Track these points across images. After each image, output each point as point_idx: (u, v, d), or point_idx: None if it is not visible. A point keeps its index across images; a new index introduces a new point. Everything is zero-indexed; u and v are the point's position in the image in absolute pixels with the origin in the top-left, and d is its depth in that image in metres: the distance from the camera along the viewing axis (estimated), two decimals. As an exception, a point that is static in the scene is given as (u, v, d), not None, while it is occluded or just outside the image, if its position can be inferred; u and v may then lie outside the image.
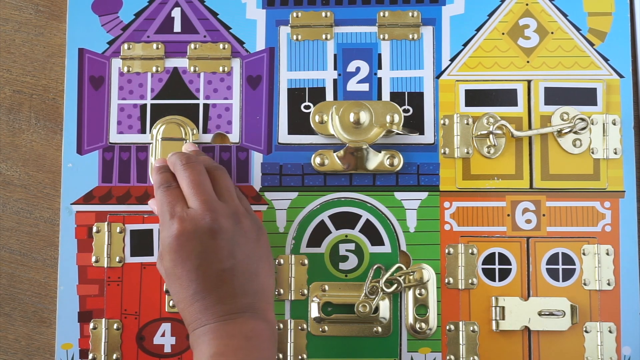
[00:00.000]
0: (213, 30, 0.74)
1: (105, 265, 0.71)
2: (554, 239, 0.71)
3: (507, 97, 0.73)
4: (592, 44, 0.73)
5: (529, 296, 0.71)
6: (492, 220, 0.72)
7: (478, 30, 0.73)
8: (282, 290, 0.71)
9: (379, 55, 0.74)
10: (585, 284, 0.71)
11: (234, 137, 0.73)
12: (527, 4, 0.74)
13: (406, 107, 0.73)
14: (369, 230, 0.72)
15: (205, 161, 0.68)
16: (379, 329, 0.70)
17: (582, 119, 0.71)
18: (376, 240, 0.72)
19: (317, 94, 0.73)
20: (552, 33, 0.73)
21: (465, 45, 0.73)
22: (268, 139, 0.73)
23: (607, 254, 0.71)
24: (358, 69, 0.74)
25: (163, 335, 0.71)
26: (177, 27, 0.74)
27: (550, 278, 0.71)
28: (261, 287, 0.63)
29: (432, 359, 0.70)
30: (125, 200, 0.72)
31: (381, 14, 0.74)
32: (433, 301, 0.71)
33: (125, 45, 0.74)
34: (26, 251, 0.73)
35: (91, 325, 0.71)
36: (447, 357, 0.70)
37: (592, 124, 0.72)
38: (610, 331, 0.70)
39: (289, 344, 0.71)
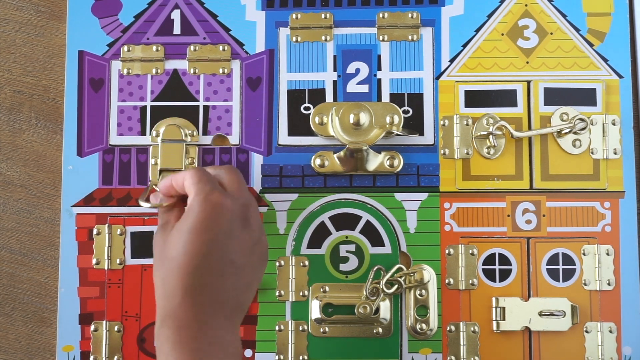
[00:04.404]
0: (213, 32, 0.74)
1: (106, 267, 0.71)
2: (554, 239, 0.71)
3: (506, 98, 0.73)
4: (591, 45, 0.73)
5: (530, 296, 0.71)
6: (492, 221, 0.72)
7: (477, 31, 0.74)
8: (282, 292, 0.71)
9: (379, 56, 0.74)
10: (585, 284, 0.71)
11: (234, 138, 0.73)
12: (526, 5, 0.74)
13: (406, 108, 0.73)
14: (370, 231, 0.72)
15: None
16: (380, 329, 0.70)
17: (582, 120, 0.71)
18: (376, 241, 0.72)
19: (317, 96, 0.73)
20: (551, 34, 0.73)
21: (464, 46, 0.73)
22: (268, 140, 0.73)
23: (607, 254, 0.71)
24: (358, 70, 0.74)
25: (163, 336, 0.71)
26: (177, 29, 0.74)
27: (550, 278, 0.71)
28: (247, 302, 0.60)
29: (433, 360, 0.70)
30: (126, 202, 0.72)
31: (380, 15, 0.74)
32: (433, 302, 0.71)
33: (125, 48, 0.74)
34: (26, 251, 0.73)
35: (92, 327, 0.71)
36: (448, 358, 0.70)
37: (592, 124, 0.72)
38: (610, 331, 0.70)
39: (289, 345, 0.70)
